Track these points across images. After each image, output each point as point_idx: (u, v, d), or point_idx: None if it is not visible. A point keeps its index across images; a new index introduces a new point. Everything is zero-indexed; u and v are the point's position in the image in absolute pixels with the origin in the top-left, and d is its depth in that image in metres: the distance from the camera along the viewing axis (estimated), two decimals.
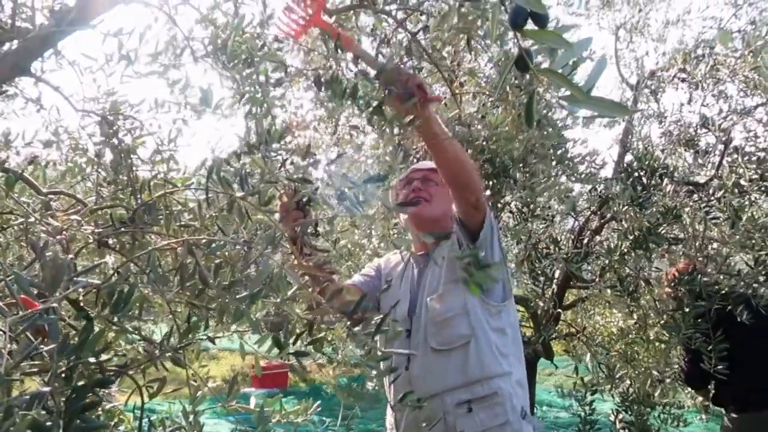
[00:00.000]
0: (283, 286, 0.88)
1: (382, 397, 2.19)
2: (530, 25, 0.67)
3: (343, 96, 1.15)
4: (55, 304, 0.65)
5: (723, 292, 2.66)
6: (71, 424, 0.63)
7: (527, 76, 2.32)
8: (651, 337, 3.14)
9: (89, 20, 1.21)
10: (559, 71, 0.65)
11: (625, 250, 2.89)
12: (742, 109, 3.35)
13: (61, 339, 0.73)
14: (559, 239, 3.18)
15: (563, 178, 2.87)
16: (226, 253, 0.91)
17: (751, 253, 2.69)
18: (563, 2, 3.45)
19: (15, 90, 1.69)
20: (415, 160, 2.69)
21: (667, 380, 3.16)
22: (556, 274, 3.53)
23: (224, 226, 0.96)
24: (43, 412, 0.62)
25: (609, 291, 3.07)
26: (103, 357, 0.82)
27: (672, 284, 2.84)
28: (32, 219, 1.07)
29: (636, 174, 2.97)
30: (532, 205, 2.98)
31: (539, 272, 3.17)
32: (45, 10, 1.31)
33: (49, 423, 0.60)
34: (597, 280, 3.30)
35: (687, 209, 2.90)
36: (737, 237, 2.71)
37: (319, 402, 1.29)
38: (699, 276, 2.72)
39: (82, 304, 0.76)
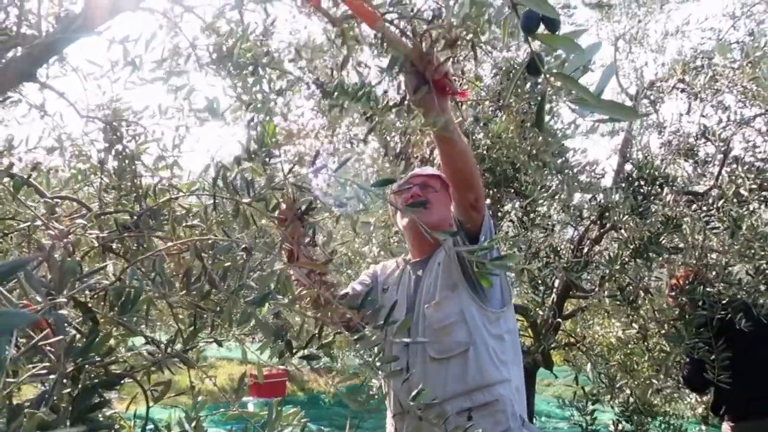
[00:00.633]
0: (290, 288, 0.89)
1: (383, 407, 2.17)
2: (541, 30, 0.68)
3: (352, 99, 1.15)
4: (63, 300, 0.65)
5: (724, 301, 2.66)
6: (78, 424, 0.63)
7: (529, 84, 2.34)
8: (651, 347, 3.14)
9: (95, 27, 1.22)
10: (570, 75, 0.66)
11: (626, 260, 2.90)
12: (740, 119, 3.37)
13: (68, 341, 0.73)
14: (559, 248, 3.19)
15: (564, 188, 2.88)
16: (234, 257, 0.91)
17: (751, 263, 2.70)
18: (562, 12, 3.47)
19: (19, 96, 1.70)
20: (415, 168, 2.70)
21: (667, 390, 3.17)
22: (556, 284, 3.53)
23: (229, 231, 0.96)
24: (50, 412, 0.62)
25: (608, 300, 3.07)
26: (108, 359, 0.83)
27: (674, 292, 2.85)
28: (38, 223, 1.07)
29: (636, 183, 2.98)
30: (532, 214, 2.99)
31: (539, 281, 3.17)
32: (51, 17, 1.32)
33: (56, 423, 0.60)
34: (597, 289, 3.30)
35: (687, 219, 2.90)
36: (737, 246, 2.72)
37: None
38: (700, 285, 2.73)
39: (89, 306, 0.77)
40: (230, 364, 11.11)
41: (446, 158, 1.83)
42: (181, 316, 1.17)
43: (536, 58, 0.69)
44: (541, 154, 2.49)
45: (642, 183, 2.99)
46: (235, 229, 1.05)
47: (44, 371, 0.70)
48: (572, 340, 4.01)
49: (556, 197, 2.89)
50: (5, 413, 0.61)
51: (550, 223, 3.15)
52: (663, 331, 2.92)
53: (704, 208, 2.98)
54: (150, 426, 1.00)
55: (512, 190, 3.01)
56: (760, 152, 3.24)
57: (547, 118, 2.36)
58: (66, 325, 0.78)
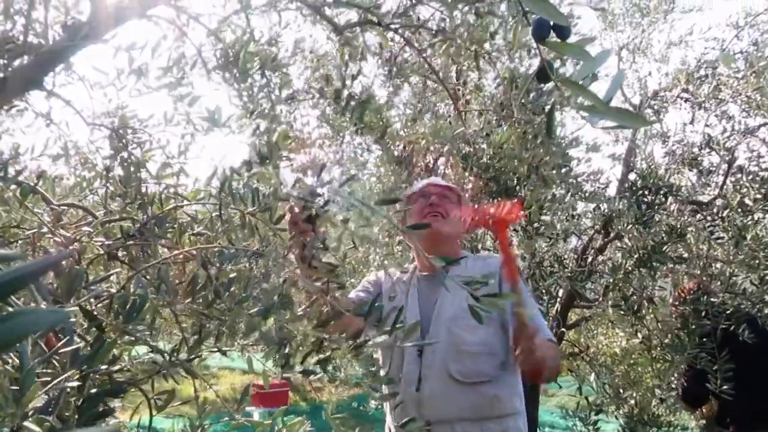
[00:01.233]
0: (293, 303, 0.88)
1: (382, 420, 2.16)
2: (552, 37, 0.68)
3: (360, 107, 1.15)
4: (72, 308, 0.65)
5: (728, 311, 2.65)
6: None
7: (532, 95, 2.34)
8: (655, 357, 3.12)
9: (101, 35, 1.22)
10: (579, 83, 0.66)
11: (630, 269, 2.89)
12: (745, 128, 3.36)
13: (73, 349, 0.73)
14: (563, 258, 3.18)
15: (568, 197, 2.87)
16: (239, 267, 0.91)
17: (755, 273, 2.69)
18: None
19: (25, 105, 1.70)
20: (418, 179, 2.70)
21: (671, 400, 3.14)
22: (560, 293, 3.52)
23: (234, 240, 0.96)
24: (56, 419, 0.62)
25: (612, 310, 3.06)
26: (114, 368, 0.82)
27: (678, 302, 2.83)
28: (44, 230, 1.07)
29: (640, 193, 2.98)
30: (536, 224, 2.98)
31: (543, 291, 3.16)
32: (57, 26, 1.32)
33: (62, 430, 0.60)
34: (600, 299, 3.28)
35: (691, 228, 2.90)
36: (741, 256, 2.71)
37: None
38: (704, 295, 2.72)
39: (95, 314, 0.76)
40: (232, 374, 11.08)
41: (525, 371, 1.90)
42: (184, 325, 1.17)
43: (546, 66, 0.69)
44: (542, 166, 2.49)
45: (646, 192, 2.99)
46: (240, 239, 1.04)
47: (50, 379, 0.70)
48: (576, 350, 3.99)
49: (560, 206, 2.89)
50: (13, 421, 0.61)
51: (554, 232, 3.14)
52: (666, 341, 2.90)
53: (708, 218, 2.97)
54: None
55: (516, 200, 3.00)
56: (764, 162, 3.24)
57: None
58: (72, 333, 0.78)
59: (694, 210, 3.06)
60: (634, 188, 3.05)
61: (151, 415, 0.96)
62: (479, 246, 3.21)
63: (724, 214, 2.84)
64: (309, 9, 1.34)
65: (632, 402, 3.11)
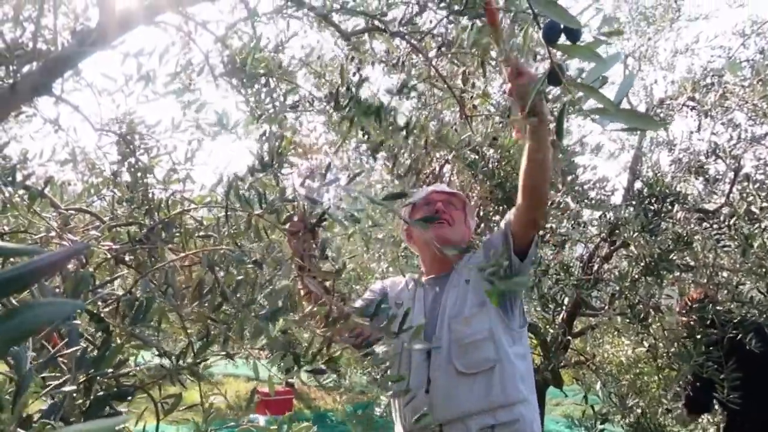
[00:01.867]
0: (299, 304, 0.88)
1: (391, 425, 2.15)
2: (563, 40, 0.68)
3: (365, 114, 1.16)
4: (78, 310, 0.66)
5: (735, 320, 2.63)
6: None
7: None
8: (662, 366, 3.10)
9: (110, 41, 1.23)
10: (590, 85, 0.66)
11: (636, 277, 2.88)
12: (751, 137, 3.36)
13: (80, 352, 0.73)
14: (569, 265, 3.17)
15: (573, 204, 2.87)
16: (246, 270, 0.91)
17: (762, 281, 2.67)
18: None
19: (33, 110, 1.72)
20: (424, 185, 2.70)
21: (677, 411, 3.12)
22: (566, 301, 3.50)
23: (241, 244, 0.97)
24: (61, 423, 0.62)
25: (619, 318, 3.05)
26: (120, 372, 0.82)
27: (684, 311, 2.82)
28: (52, 234, 1.07)
29: (646, 201, 2.97)
30: (542, 231, 2.97)
31: (549, 298, 3.15)
32: (66, 32, 1.33)
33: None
34: (606, 307, 3.27)
35: (698, 237, 2.88)
36: (748, 265, 2.69)
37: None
38: (710, 304, 2.70)
39: (102, 317, 0.77)
40: (237, 381, 11.05)
41: (529, 165, 1.80)
42: (190, 330, 1.17)
43: (557, 68, 0.69)
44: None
45: (652, 200, 2.98)
46: (247, 242, 1.05)
47: (55, 382, 0.70)
48: (582, 358, 3.97)
49: (566, 214, 2.88)
50: (8, 425, 0.61)
51: (559, 239, 3.13)
52: (673, 350, 2.89)
53: (715, 226, 2.96)
54: None
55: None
56: None
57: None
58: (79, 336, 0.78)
59: (700, 218, 3.05)
60: (641, 196, 3.04)
61: (158, 420, 0.96)
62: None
63: (731, 223, 2.83)
64: (316, 16, 1.35)
65: (638, 411, 3.09)
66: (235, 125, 1.36)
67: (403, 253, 3.25)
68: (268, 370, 1.06)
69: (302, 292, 1.26)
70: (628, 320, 2.91)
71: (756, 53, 3.84)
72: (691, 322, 2.76)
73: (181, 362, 0.88)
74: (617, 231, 3.11)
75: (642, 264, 2.85)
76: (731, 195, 3.24)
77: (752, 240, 2.67)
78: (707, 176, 3.35)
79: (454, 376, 1.91)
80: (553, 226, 3.02)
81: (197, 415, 1.11)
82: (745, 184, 3.12)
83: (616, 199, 3.27)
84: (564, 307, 3.48)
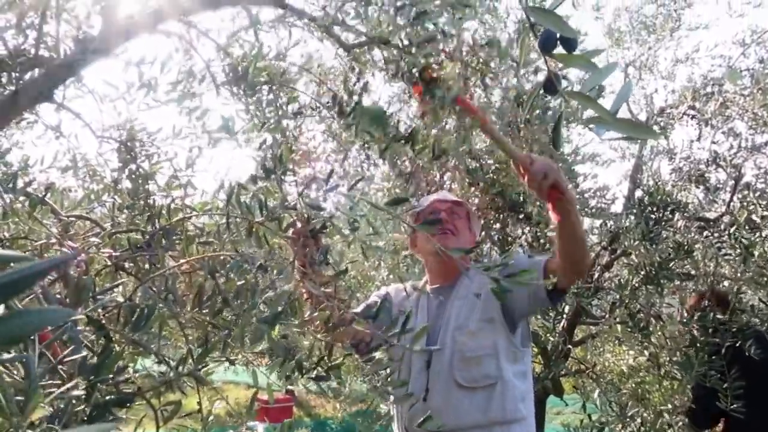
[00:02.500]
0: (300, 309, 0.89)
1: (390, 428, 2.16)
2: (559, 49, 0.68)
3: (373, 124, 1.16)
4: (80, 317, 0.66)
5: (734, 329, 2.63)
6: None
7: (538, 111, 2.35)
8: (663, 374, 3.09)
9: (112, 49, 1.24)
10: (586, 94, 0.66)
11: (636, 285, 2.87)
12: (752, 145, 3.36)
13: (81, 359, 0.73)
14: None
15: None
16: (246, 276, 0.91)
17: (763, 290, 2.67)
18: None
19: (35, 117, 1.72)
20: (425, 193, 2.70)
21: (679, 424, 3.11)
22: (566, 310, 3.50)
23: (242, 250, 0.97)
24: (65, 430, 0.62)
25: (619, 327, 3.04)
26: (120, 378, 0.82)
27: (692, 315, 2.81)
28: (52, 241, 1.08)
29: (647, 209, 2.97)
30: (542, 240, 2.97)
31: (549, 307, 3.14)
32: (69, 39, 1.34)
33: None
34: (607, 316, 3.26)
35: (698, 245, 2.88)
36: (749, 274, 2.69)
37: None
38: (718, 305, 2.70)
39: (102, 323, 0.77)
40: (237, 388, 11.03)
41: (563, 243, 1.81)
42: (190, 337, 1.17)
43: (553, 77, 0.69)
44: None
45: (653, 209, 2.98)
46: (247, 248, 1.05)
47: (57, 390, 0.70)
48: (582, 367, 3.96)
49: None
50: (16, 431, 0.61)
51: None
52: (675, 359, 2.88)
53: (716, 235, 2.95)
54: None
55: (522, 215, 3.00)
56: None
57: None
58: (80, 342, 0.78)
59: (701, 227, 3.05)
60: (641, 205, 3.04)
61: (158, 427, 0.96)
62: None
63: (732, 231, 2.83)
64: (318, 27, 1.35)
65: (638, 420, 3.08)
66: (238, 132, 1.36)
67: (403, 262, 3.25)
68: (267, 377, 1.06)
69: (305, 296, 1.26)
70: (628, 329, 2.90)
71: (756, 62, 3.85)
72: (692, 331, 2.76)
73: (181, 369, 0.88)
74: (618, 239, 3.11)
75: (642, 273, 2.85)
76: (732, 204, 3.24)
77: (753, 249, 2.66)
78: (708, 185, 3.35)
79: (453, 387, 1.91)
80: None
81: (196, 422, 1.11)
82: (746, 192, 3.12)
83: (617, 207, 3.28)
84: (564, 316, 3.48)
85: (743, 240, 2.70)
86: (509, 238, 3.23)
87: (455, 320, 1.99)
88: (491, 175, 2.76)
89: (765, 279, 2.66)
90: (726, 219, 3.12)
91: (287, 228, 1.01)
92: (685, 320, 2.79)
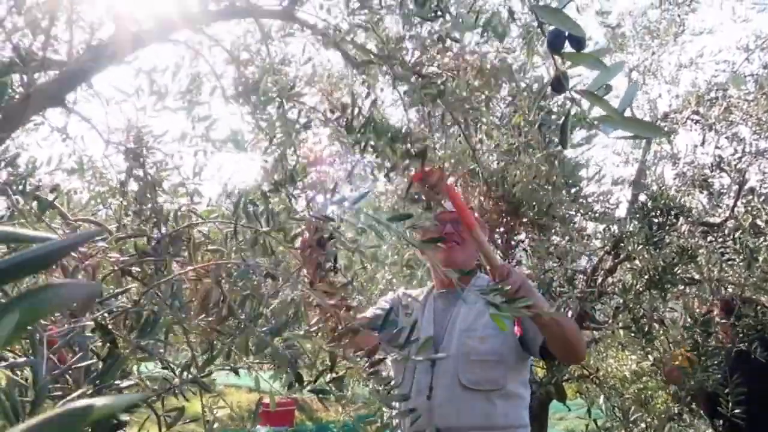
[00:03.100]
0: (305, 318, 0.89)
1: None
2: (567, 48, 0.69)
3: (388, 144, 1.16)
4: (88, 323, 0.66)
5: (741, 334, 2.63)
6: None
7: (541, 114, 2.36)
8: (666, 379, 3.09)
9: (124, 56, 1.25)
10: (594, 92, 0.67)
11: (640, 290, 2.87)
12: (756, 150, 3.36)
13: (87, 364, 0.74)
14: (573, 278, 3.17)
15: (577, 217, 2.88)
16: (252, 284, 0.92)
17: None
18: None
19: (42, 119, 1.73)
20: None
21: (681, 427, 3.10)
22: (569, 314, 3.49)
23: (248, 258, 0.97)
24: None
25: (623, 332, 3.04)
26: (125, 383, 0.83)
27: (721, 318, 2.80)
28: None
29: (651, 214, 2.97)
30: (546, 244, 2.97)
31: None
32: (81, 45, 1.34)
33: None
34: (610, 320, 3.26)
35: (702, 250, 2.88)
36: (753, 279, 2.69)
37: None
38: (733, 309, 2.70)
39: (109, 329, 0.77)
40: (239, 392, 11.02)
41: (552, 344, 1.89)
42: (194, 342, 1.17)
43: (561, 76, 0.69)
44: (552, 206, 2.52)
45: (657, 213, 2.98)
46: (253, 257, 1.05)
47: (61, 394, 0.70)
48: (585, 372, 3.96)
49: (570, 227, 2.89)
50: None
51: (563, 252, 3.13)
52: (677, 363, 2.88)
53: (720, 240, 2.96)
54: None
55: (526, 219, 3.01)
56: None
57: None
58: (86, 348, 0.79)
59: (705, 231, 3.05)
60: (645, 209, 3.04)
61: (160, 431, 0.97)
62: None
63: (736, 236, 2.83)
64: (327, 43, 1.35)
65: (642, 425, 3.08)
66: (246, 143, 1.37)
67: (408, 270, 3.25)
68: (270, 384, 1.06)
69: (314, 303, 1.27)
70: (632, 334, 2.91)
71: (760, 68, 3.85)
72: (696, 336, 2.75)
73: (185, 375, 0.88)
74: (621, 244, 3.11)
75: (646, 277, 2.85)
76: (736, 208, 3.24)
77: (757, 254, 2.66)
78: (712, 190, 3.35)
79: (457, 387, 1.93)
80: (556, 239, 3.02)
81: (199, 426, 1.12)
82: (750, 197, 3.12)
83: (621, 212, 3.28)
84: None
85: (747, 245, 2.70)
86: (513, 242, 3.24)
87: (462, 323, 2.02)
88: (495, 177, 2.75)
89: None
90: (730, 224, 3.12)
91: (294, 238, 1.02)
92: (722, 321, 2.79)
